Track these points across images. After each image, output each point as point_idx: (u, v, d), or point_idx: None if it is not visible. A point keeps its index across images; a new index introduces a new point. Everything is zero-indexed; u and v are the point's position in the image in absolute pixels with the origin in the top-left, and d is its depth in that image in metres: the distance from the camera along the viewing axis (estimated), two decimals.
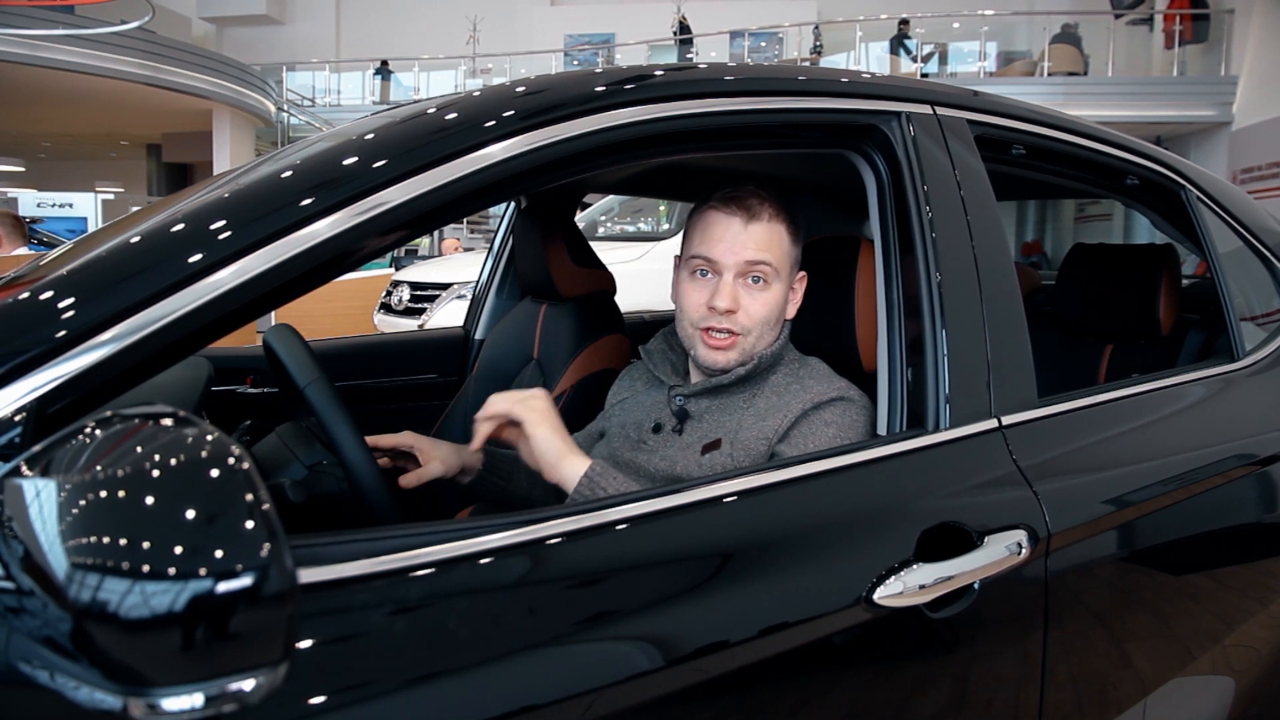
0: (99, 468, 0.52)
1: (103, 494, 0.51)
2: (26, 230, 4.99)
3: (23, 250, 4.74)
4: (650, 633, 0.79)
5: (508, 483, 1.31)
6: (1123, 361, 1.79)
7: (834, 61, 14.51)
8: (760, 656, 0.84)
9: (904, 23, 13.70)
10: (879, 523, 0.97)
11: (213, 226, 0.73)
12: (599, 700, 0.74)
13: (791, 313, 1.25)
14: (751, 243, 1.17)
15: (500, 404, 1.09)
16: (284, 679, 0.55)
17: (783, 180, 2.02)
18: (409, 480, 1.19)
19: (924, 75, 13.21)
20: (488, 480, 1.30)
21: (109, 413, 0.57)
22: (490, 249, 2.38)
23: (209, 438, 0.55)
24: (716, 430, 1.18)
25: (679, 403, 1.23)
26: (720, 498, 0.89)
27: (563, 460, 1.05)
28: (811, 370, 1.22)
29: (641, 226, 6.96)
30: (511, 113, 0.87)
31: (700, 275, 1.21)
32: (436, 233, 10.28)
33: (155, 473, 0.52)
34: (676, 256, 1.27)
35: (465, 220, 12.55)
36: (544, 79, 0.95)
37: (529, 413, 1.07)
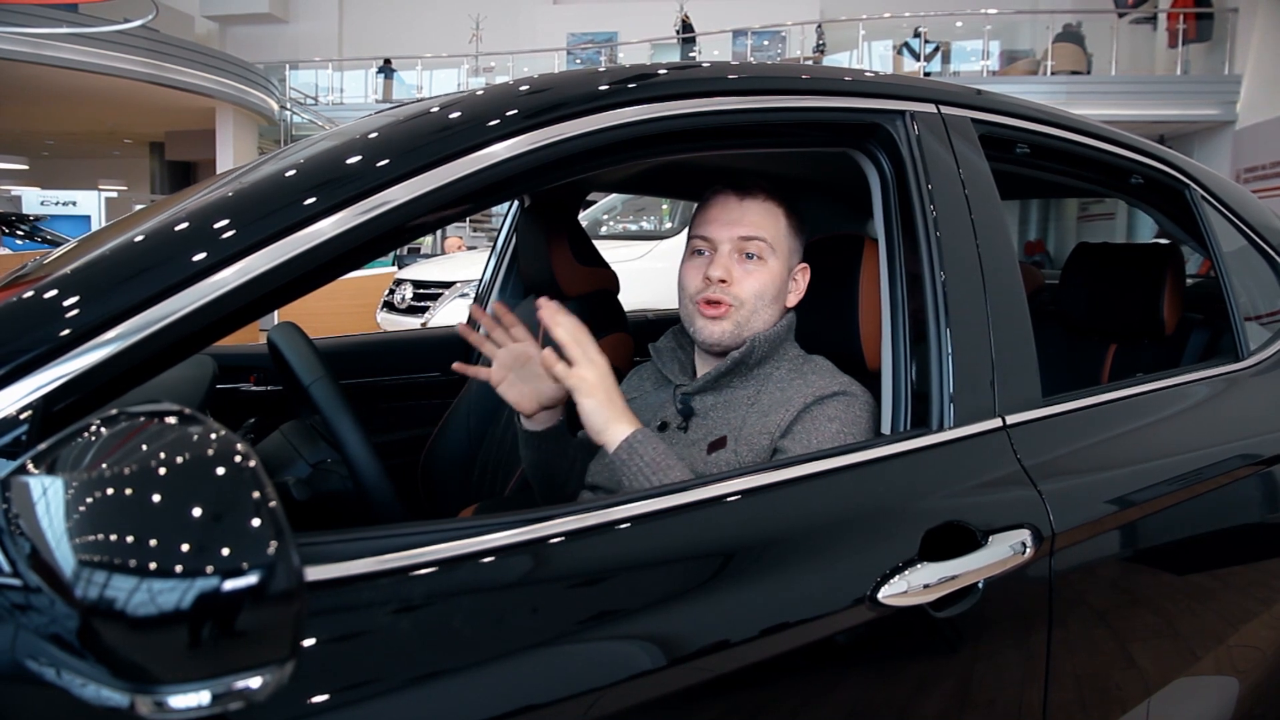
0: (105, 465, 0.52)
1: (109, 491, 0.51)
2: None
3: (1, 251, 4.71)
4: (653, 632, 0.79)
5: (563, 460, 1.29)
6: (1126, 361, 1.79)
7: (837, 60, 14.49)
8: (763, 656, 0.84)
9: (917, 33, 13.77)
10: (883, 522, 0.97)
11: (216, 225, 0.73)
12: (601, 699, 0.74)
13: (792, 301, 1.26)
14: (745, 218, 1.21)
15: (559, 367, 1.09)
16: (290, 677, 0.55)
17: (787, 179, 2.02)
18: (459, 367, 1.22)
19: (927, 74, 13.20)
20: (548, 443, 1.27)
21: (114, 411, 0.57)
22: (493, 247, 2.38)
23: (214, 435, 0.55)
24: (722, 428, 1.19)
25: (684, 400, 1.24)
26: (723, 497, 0.89)
27: (608, 426, 1.08)
28: (815, 366, 1.23)
29: (644, 225, 6.96)
30: (515, 112, 0.87)
31: (699, 254, 1.24)
32: (439, 231, 10.28)
33: (161, 470, 0.52)
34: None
35: (468, 219, 12.55)
36: (547, 78, 0.95)
37: (579, 383, 1.08)
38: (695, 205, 1.29)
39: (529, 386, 1.21)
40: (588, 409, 1.08)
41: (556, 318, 1.09)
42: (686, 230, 1.30)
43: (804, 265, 1.27)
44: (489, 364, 1.21)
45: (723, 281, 1.19)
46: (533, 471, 1.31)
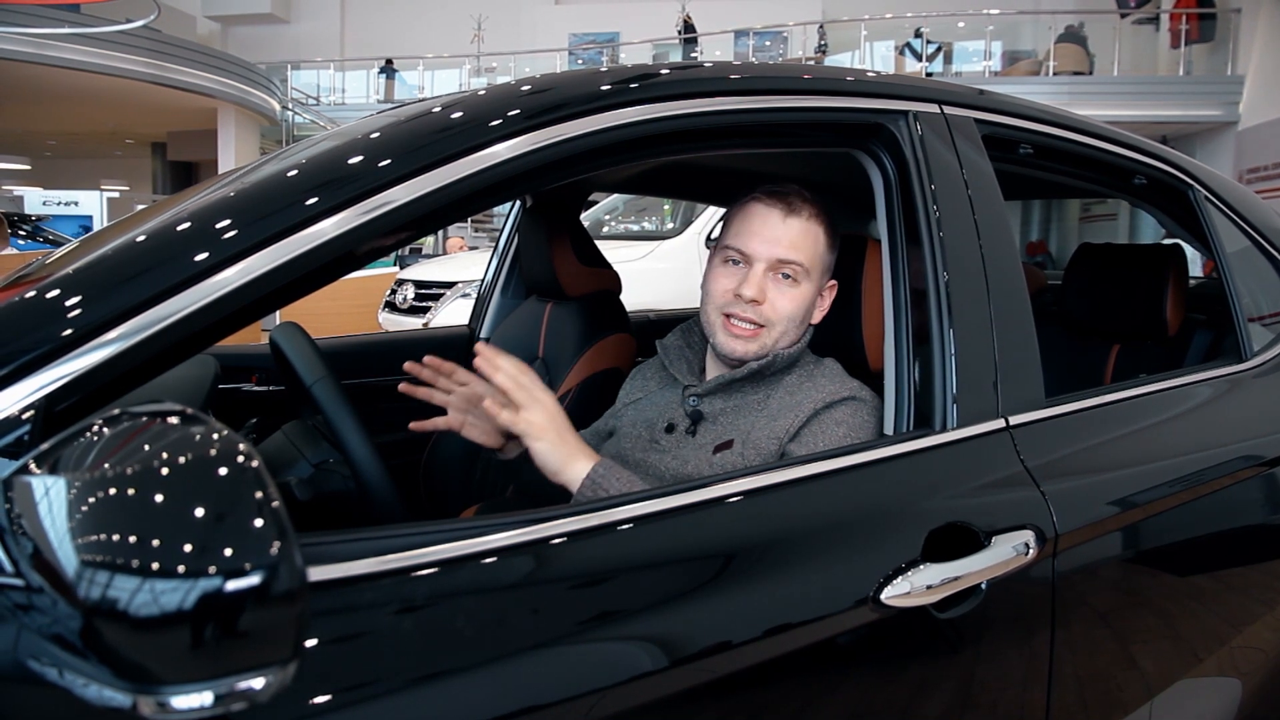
0: (107, 465, 0.52)
1: (111, 491, 0.51)
2: (7, 230, 4.92)
3: (8, 251, 4.68)
4: (655, 633, 0.79)
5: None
6: (1129, 362, 1.79)
7: (839, 61, 14.49)
8: (766, 657, 0.84)
9: (918, 33, 13.79)
10: (886, 523, 0.96)
11: (218, 225, 0.74)
12: (603, 700, 0.74)
13: (817, 318, 1.24)
14: (786, 238, 1.18)
15: (505, 415, 1.04)
16: (292, 677, 0.55)
17: (790, 179, 2.01)
18: (417, 426, 1.14)
19: (929, 75, 13.21)
20: (531, 467, 1.23)
21: (117, 410, 0.57)
22: (495, 248, 2.38)
23: (217, 435, 0.55)
24: (730, 432, 1.18)
25: (693, 404, 1.23)
26: (726, 497, 0.89)
27: (565, 467, 1.04)
28: (825, 370, 1.22)
29: (646, 225, 6.96)
30: (517, 112, 0.87)
31: (732, 264, 1.21)
32: (441, 231, 10.29)
33: (164, 470, 0.52)
34: (709, 245, 1.27)
35: (469, 219, 12.56)
36: (549, 78, 0.95)
37: (526, 428, 1.04)
38: (698, 205, 1.29)
39: (489, 423, 1.16)
40: (540, 452, 1.04)
41: (495, 362, 1.04)
42: (720, 227, 1.27)
43: (833, 282, 1.25)
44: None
45: (755, 302, 1.17)
46: (524, 490, 1.29)
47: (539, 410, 1.04)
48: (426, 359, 1.16)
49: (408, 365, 1.14)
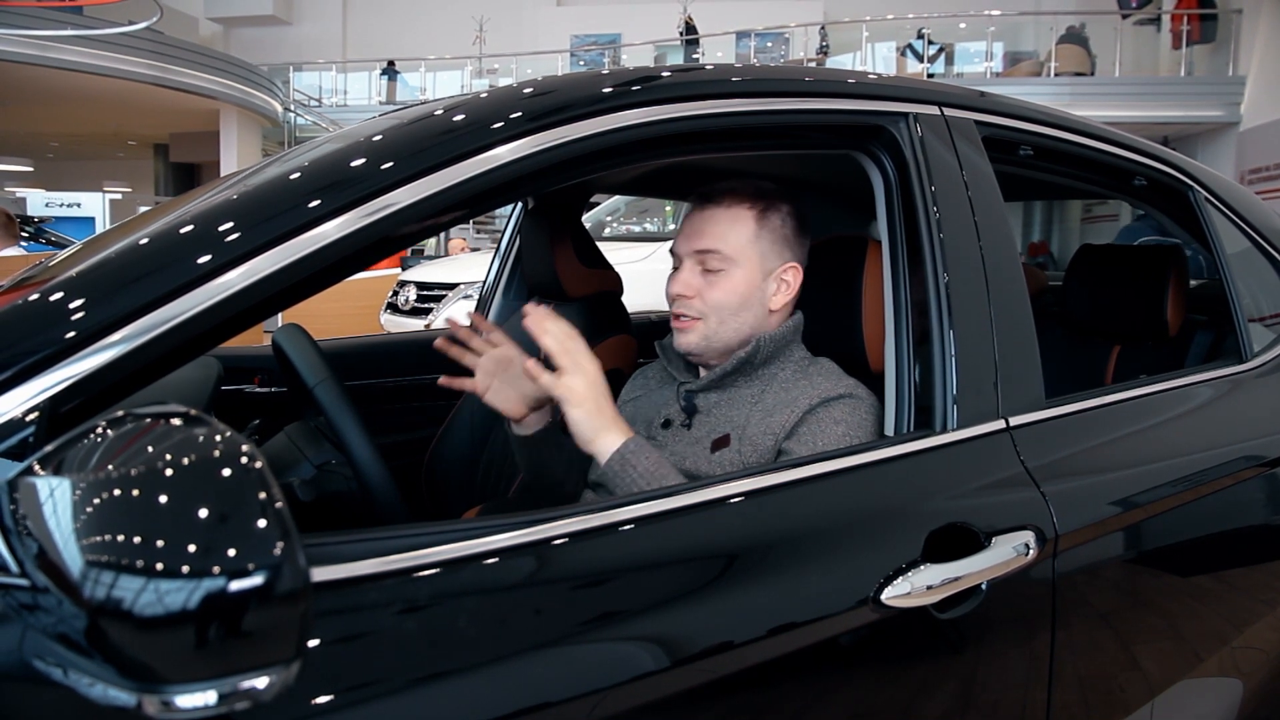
0: (111, 466, 0.53)
1: (116, 492, 0.52)
2: (18, 229, 4.88)
3: (15, 251, 4.65)
4: (656, 633, 0.79)
5: (559, 460, 1.28)
6: (1130, 362, 1.79)
7: (840, 62, 14.49)
8: (767, 657, 0.84)
9: (920, 35, 13.82)
10: (886, 523, 0.97)
11: (221, 228, 0.74)
12: (605, 700, 0.74)
13: (778, 304, 1.23)
14: (705, 229, 1.22)
15: (546, 378, 1.06)
16: (295, 677, 0.55)
17: (790, 180, 2.02)
18: (445, 382, 1.17)
19: (931, 76, 13.21)
20: (543, 446, 1.25)
21: (121, 412, 0.57)
22: (497, 249, 2.38)
23: (220, 437, 0.55)
24: (725, 425, 1.19)
25: (687, 397, 1.24)
26: (727, 498, 0.89)
27: (598, 437, 1.06)
28: (821, 368, 1.23)
29: (648, 226, 6.97)
30: (519, 114, 0.87)
31: (674, 269, 1.26)
32: (443, 233, 10.30)
33: (168, 471, 0.53)
34: None
35: (471, 220, 12.56)
36: (551, 80, 0.96)
37: (566, 393, 1.06)
38: None
39: (514, 390, 1.19)
40: (576, 419, 1.06)
41: (544, 324, 1.07)
42: None
43: (792, 264, 1.24)
44: (477, 404, 1.19)
45: (682, 296, 1.21)
46: (530, 474, 1.31)
47: (581, 377, 1.06)
48: (470, 315, 1.19)
49: (447, 318, 1.18)
